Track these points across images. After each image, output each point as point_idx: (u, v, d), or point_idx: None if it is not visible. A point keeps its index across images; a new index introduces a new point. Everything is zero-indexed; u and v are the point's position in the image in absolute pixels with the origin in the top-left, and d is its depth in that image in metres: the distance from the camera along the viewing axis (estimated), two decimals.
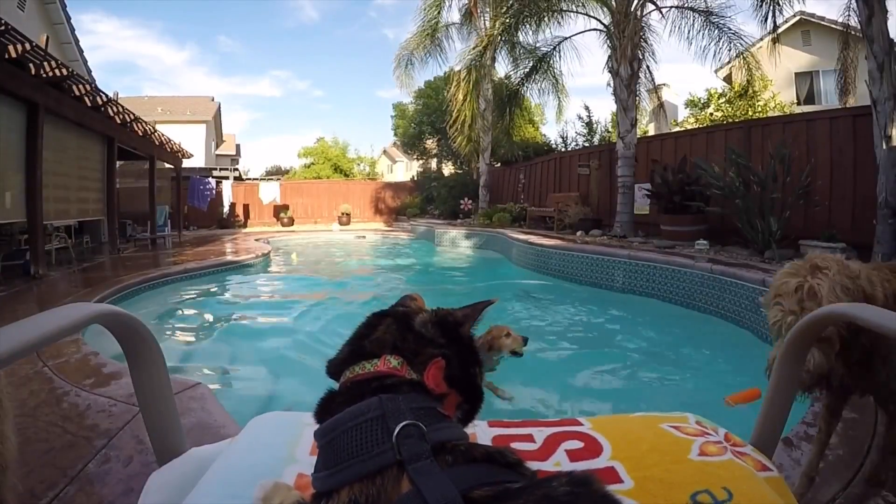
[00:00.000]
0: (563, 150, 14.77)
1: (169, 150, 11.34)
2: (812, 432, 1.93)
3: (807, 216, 5.91)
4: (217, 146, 29.13)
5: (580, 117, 15.56)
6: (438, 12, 13.39)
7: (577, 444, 0.66)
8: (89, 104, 7.00)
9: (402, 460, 0.43)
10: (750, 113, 12.43)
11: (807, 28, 14.35)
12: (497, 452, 0.47)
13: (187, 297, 5.78)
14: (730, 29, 8.42)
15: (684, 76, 43.18)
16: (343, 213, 17.95)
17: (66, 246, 7.14)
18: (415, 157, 22.53)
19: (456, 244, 11.40)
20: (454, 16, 13.87)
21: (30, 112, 5.74)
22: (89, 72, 12.91)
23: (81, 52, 12.48)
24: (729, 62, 9.58)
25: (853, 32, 7.46)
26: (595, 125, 15.31)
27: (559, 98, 12.82)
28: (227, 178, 18.32)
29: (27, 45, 5.15)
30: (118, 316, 0.69)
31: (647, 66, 9.89)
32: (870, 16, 4.81)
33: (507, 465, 0.46)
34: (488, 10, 12.78)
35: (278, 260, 9.64)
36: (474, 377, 0.61)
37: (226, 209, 16.91)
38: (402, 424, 0.45)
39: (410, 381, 0.53)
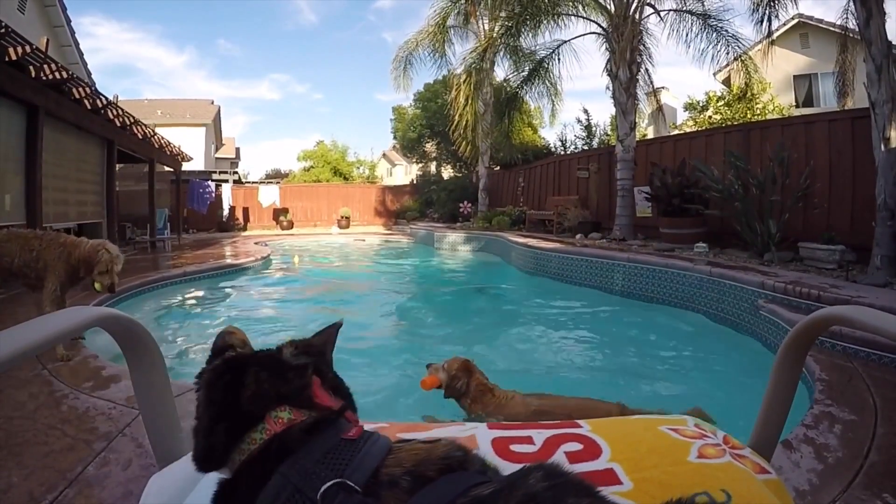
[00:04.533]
0: (562, 153, 14.80)
1: (168, 153, 11.34)
2: (812, 434, 1.93)
3: (806, 218, 5.92)
4: (217, 149, 29.13)
5: (579, 120, 15.62)
6: (446, 18, 13.41)
7: (576, 446, 0.66)
8: (89, 107, 7.01)
9: None
10: (749, 116, 12.47)
11: (805, 31, 14.39)
12: (447, 458, 0.45)
13: (187, 299, 5.78)
14: (728, 32, 8.45)
15: (683, 79, 43.35)
16: (342, 217, 17.96)
17: None
18: (414, 160, 22.55)
19: (455, 247, 11.40)
20: (457, 19, 13.91)
21: (30, 115, 5.74)
22: (89, 74, 12.93)
23: (81, 54, 12.51)
24: (727, 65, 9.61)
25: (851, 35, 7.48)
26: (594, 128, 15.36)
27: (553, 102, 12.86)
28: (226, 181, 18.29)
29: (27, 48, 5.16)
30: (118, 319, 0.70)
31: (646, 70, 9.91)
32: (868, 18, 4.83)
33: (460, 466, 0.44)
34: (487, 12, 12.83)
35: (278, 263, 9.64)
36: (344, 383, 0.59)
37: (225, 212, 16.90)
38: (321, 490, 0.41)
39: (306, 425, 0.48)
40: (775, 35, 7.41)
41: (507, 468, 0.59)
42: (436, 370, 2.42)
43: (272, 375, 0.52)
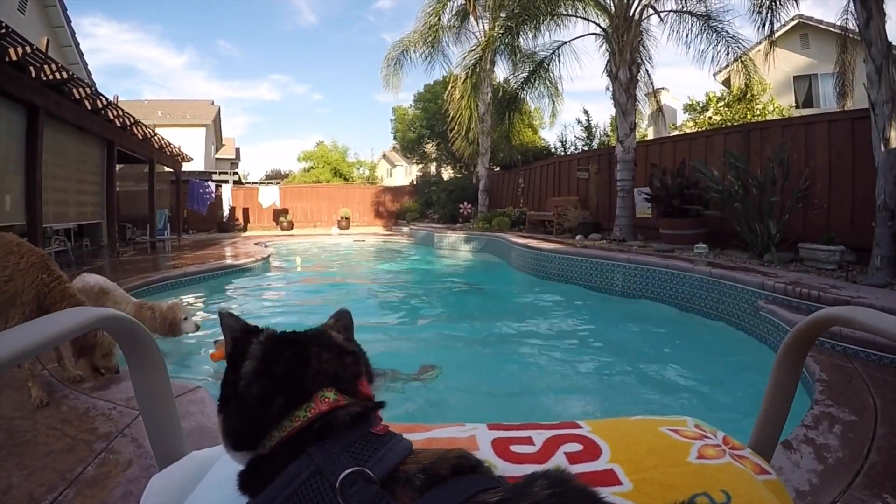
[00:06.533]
0: (562, 154, 14.80)
1: (169, 153, 11.36)
2: (812, 435, 1.93)
3: (805, 219, 5.92)
4: (217, 150, 29.13)
5: (579, 121, 15.63)
6: (439, 18, 13.40)
7: (576, 447, 0.66)
8: (89, 107, 7.02)
9: None
10: (749, 116, 12.47)
11: (805, 31, 14.41)
12: (461, 458, 0.45)
13: (187, 300, 5.77)
14: (728, 33, 8.46)
15: (683, 80, 43.36)
16: (342, 217, 17.97)
17: (65, 249, 7.13)
18: (414, 161, 22.57)
19: (455, 248, 11.40)
20: (453, 18, 13.87)
21: (30, 115, 5.75)
22: (89, 75, 12.94)
23: (81, 55, 12.51)
24: (727, 66, 9.62)
25: (851, 35, 7.49)
26: (594, 129, 15.38)
27: (553, 102, 12.86)
28: (226, 181, 18.32)
29: (27, 48, 5.17)
30: (119, 319, 0.70)
31: (646, 70, 9.92)
32: (868, 19, 4.83)
33: (472, 470, 0.45)
34: (487, 13, 12.83)
35: (278, 263, 9.64)
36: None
37: (225, 213, 16.91)
38: (342, 476, 0.42)
39: (355, 412, 0.49)
40: (775, 36, 7.40)
41: (507, 468, 0.59)
42: (222, 345, 2.56)
43: (332, 357, 0.53)
